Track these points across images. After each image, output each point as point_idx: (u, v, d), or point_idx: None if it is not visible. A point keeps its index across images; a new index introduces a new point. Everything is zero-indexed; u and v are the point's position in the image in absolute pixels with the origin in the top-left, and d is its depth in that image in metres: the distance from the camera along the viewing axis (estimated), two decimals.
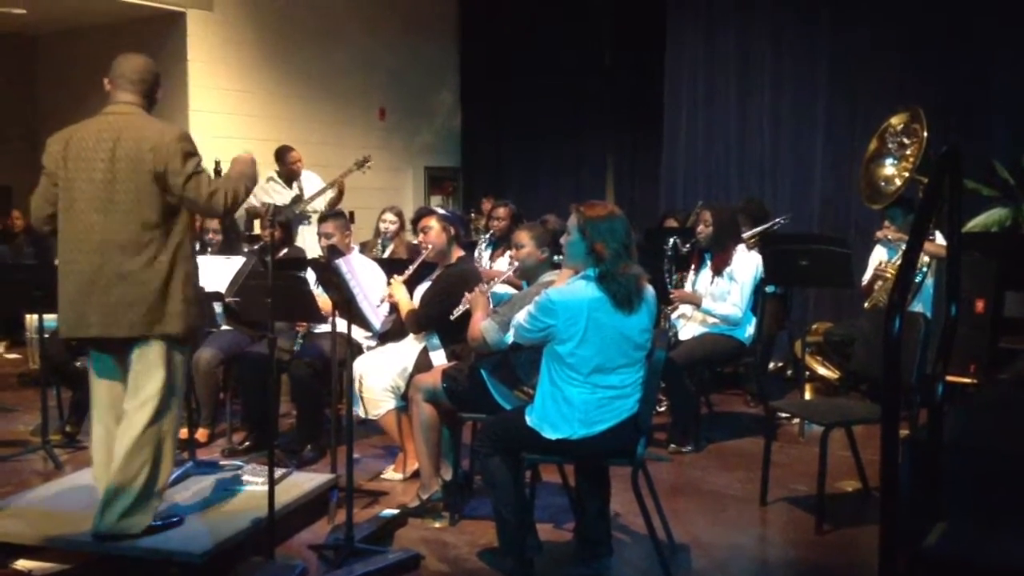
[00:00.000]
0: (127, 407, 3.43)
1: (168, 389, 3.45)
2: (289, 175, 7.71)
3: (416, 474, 4.48)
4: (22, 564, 3.50)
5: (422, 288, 4.69)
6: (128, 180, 3.35)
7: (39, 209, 3.53)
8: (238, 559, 3.44)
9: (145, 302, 3.36)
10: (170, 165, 3.34)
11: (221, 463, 4.45)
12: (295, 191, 7.70)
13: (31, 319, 6.41)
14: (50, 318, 5.38)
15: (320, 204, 7.58)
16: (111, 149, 3.36)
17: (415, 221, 5.45)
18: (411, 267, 4.67)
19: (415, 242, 6.14)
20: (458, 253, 4.68)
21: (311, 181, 7.80)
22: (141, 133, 3.37)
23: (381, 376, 4.50)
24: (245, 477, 4.13)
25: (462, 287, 4.32)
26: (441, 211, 4.76)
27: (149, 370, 3.42)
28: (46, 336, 5.23)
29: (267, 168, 7.94)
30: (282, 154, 7.71)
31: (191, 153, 3.40)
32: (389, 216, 6.46)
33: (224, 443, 5.19)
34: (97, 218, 3.36)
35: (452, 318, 4.18)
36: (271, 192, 7.64)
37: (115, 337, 3.39)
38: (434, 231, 4.59)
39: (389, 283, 4.60)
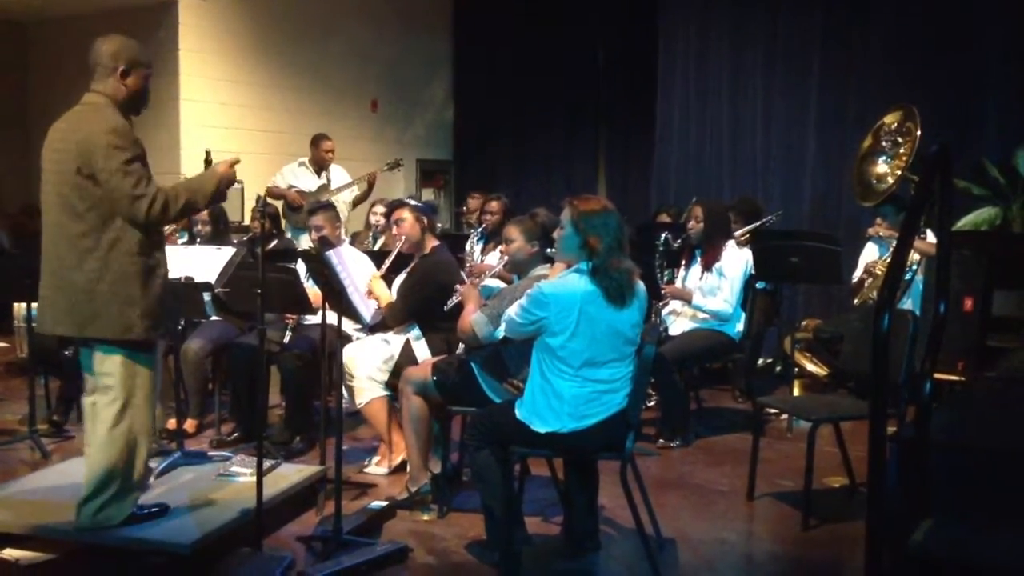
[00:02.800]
0: (93, 403, 3.40)
1: (124, 388, 3.35)
2: (320, 162, 7.68)
3: (402, 467, 4.49)
4: (9, 553, 3.49)
5: (399, 280, 4.69)
6: (62, 174, 3.26)
7: None
8: (226, 550, 3.43)
9: (79, 300, 3.25)
10: (94, 159, 3.19)
11: (209, 454, 4.44)
12: (323, 180, 7.68)
13: (19, 308, 6.38)
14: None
15: (347, 197, 7.58)
16: (60, 141, 3.29)
17: (387, 214, 5.45)
18: (387, 261, 4.68)
19: None
20: (432, 243, 4.69)
21: (339, 174, 7.79)
22: (80, 125, 3.25)
23: (367, 364, 4.50)
24: (233, 468, 4.12)
25: (438, 276, 4.36)
26: (413, 202, 4.78)
27: (102, 369, 3.36)
28: (34, 325, 5.20)
29: (260, 158, 7.93)
30: (317, 141, 7.69)
31: (119, 147, 3.21)
32: (380, 209, 6.44)
33: (213, 434, 5.18)
34: (52, 213, 3.32)
35: (445, 309, 4.18)
36: (300, 176, 7.63)
37: (58, 334, 3.39)
38: (407, 223, 4.60)
39: (370, 279, 4.60)
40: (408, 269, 4.68)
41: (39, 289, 3.37)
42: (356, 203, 7.80)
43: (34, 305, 5.17)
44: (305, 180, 7.59)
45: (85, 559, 3.46)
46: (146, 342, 3.37)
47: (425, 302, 4.42)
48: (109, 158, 3.18)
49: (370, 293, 4.46)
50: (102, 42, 3.40)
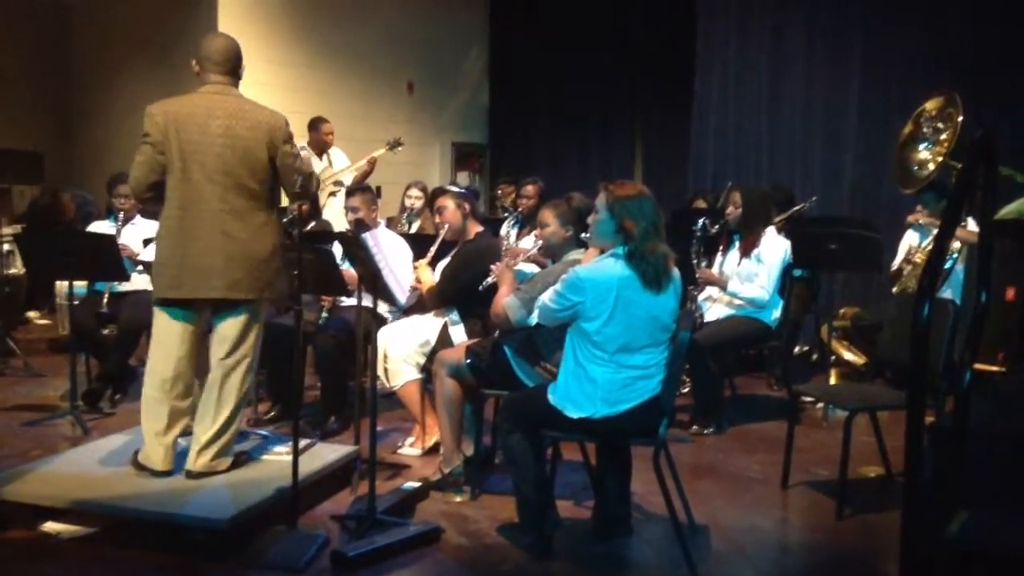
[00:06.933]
0: (225, 361, 3.80)
1: (259, 345, 3.90)
2: (321, 146, 7.74)
3: (435, 448, 4.51)
4: (50, 526, 3.56)
5: (443, 265, 4.72)
6: (244, 156, 3.70)
7: (144, 177, 3.75)
8: (262, 527, 3.48)
9: (258, 268, 3.73)
10: (283, 148, 3.77)
11: (246, 433, 4.49)
12: (324, 163, 7.73)
13: (61, 286, 6.49)
14: (80, 285, 5.47)
15: (348, 177, 7.62)
16: (226, 126, 3.69)
17: (430, 202, 5.46)
18: (432, 248, 4.71)
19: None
20: (475, 229, 4.71)
21: (339, 156, 7.84)
22: (255, 115, 3.76)
23: (403, 347, 4.53)
24: (270, 447, 4.17)
25: (479, 262, 4.37)
26: (455, 189, 4.80)
27: (248, 329, 3.82)
28: (75, 303, 5.29)
29: (298, 140, 7.98)
30: (316, 124, 7.74)
31: (292, 137, 3.86)
32: (414, 192, 6.47)
33: (250, 413, 5.23)
34: (212, 188, 3.68)
35: (480, 289, 4.20)
36: None
37: (231, 299, 3.72)
38: (449, 210, 4.64)
39: (415, 267, 4.63)
40: (451, 254, 4.70)
41: (195, 259, 3.68)
42: (359, 180, 7.76)
43: (78, 284, 5.31)
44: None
45: (125, 533, 3.52)
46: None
47: (465, 287, 4.43)
48: (292, 146, 3.83)
49: (417, 281, 4.50)
50: (213, 40, 3.82)
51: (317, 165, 7.69)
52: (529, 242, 5.59)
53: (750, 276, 5.23)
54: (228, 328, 3.79)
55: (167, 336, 3.80)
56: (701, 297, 5.44)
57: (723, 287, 5.28)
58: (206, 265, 3.67)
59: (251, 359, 3.86)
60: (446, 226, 4.65)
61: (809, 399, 5.49)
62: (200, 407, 3.84)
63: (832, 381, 6.06)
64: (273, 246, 3.78)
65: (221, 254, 3.67)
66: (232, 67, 3.80)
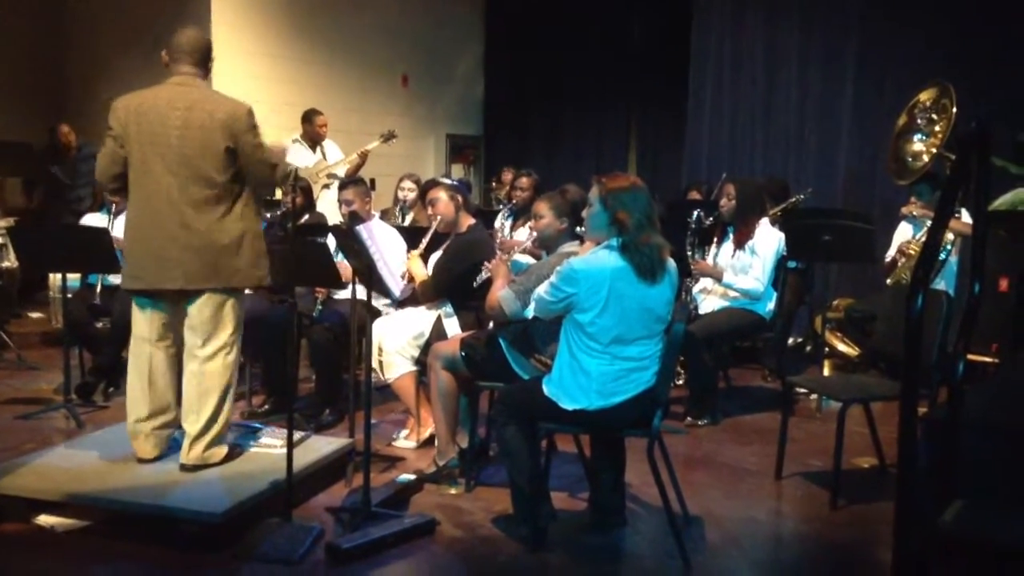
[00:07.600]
0: (200, 353, 3.78)
1: (237, 335, 3.85)
2: (314, 138, 7.73)
3: (430, 441, 4.52)
4: (44, 519, 3.56)
5: (435, 258, 4.72)
6: (201, 147, 3.65)
7: (107, 169, 3.78)
8: (256, 519, 3.48)
9: (219, 258, 3.69)
10: (243, 137, 3.69)
11: (240, 425, 4.49)
12: (318, 155, 7.72)
13: (54, 279, 6.47)
14: (73, 278, 5.45)
15: (341, 170, 7.61)
16: (184, 117, 3.65)
17: (422, 195, 5.46)
18: (424, 239, 4.71)
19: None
20: (468, 221, 4.71)
21: (332, 149, 7.84)
22: (214, 105, 3.69)
23: (397, 339, 4.53)
24: (264, 440, 4.17)
25: (471, 254, 4.38)
26: (447, 181, 4.80)
27: (222, 319, 3.78)
28: (68, 296, 5.27)
29: (292, 132, 7.96)
30: (310, 116, 7.73)
31: (256, 125, 3.74)
32: (407, 184, 6.45)
33: (244, 406, 5.23)
34: (171, 180, 3.66)
35: (475, 285, 4.20)
36: (295, 153, 7.65)
37: (191, 289, 3.70)
38: (442, 202, 4.64)
39: (407, 258, 4.63)
40: (443, 247, 4.70)
41: (154, 251, 3.68)
42: (352, 173, 7.78)
43: (71, 276, 5.30)
44: (300, 156, 7.60)
45: (119, 526, 3.51)
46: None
47: (457, 280, 4.44)
48: (255, 135, 3.73)
49: (408, 275, 4.49)
50: (185, 32, 3.80)
51: (311, 158, 7.68)
52: (524, 234, 5.59)
53: (744, 268, 5.23)
54: (196, 318, 3.77)
55: (138, 326, 3.83)
56: (696, 289, 5.45)
57: (718, 279, 5.29)
58: (165, 256, 3.67)
59: (229, 348, 3.82)
60: (439, 218, 4.64)
61: (803, 390, 5.50)
62: (184, 401, 3.84)
63: (826, 372, 6.07)
64: (239, 234, 3.72)
65: (179, 245, 3.66)
66: (201, 58, 3.78)
